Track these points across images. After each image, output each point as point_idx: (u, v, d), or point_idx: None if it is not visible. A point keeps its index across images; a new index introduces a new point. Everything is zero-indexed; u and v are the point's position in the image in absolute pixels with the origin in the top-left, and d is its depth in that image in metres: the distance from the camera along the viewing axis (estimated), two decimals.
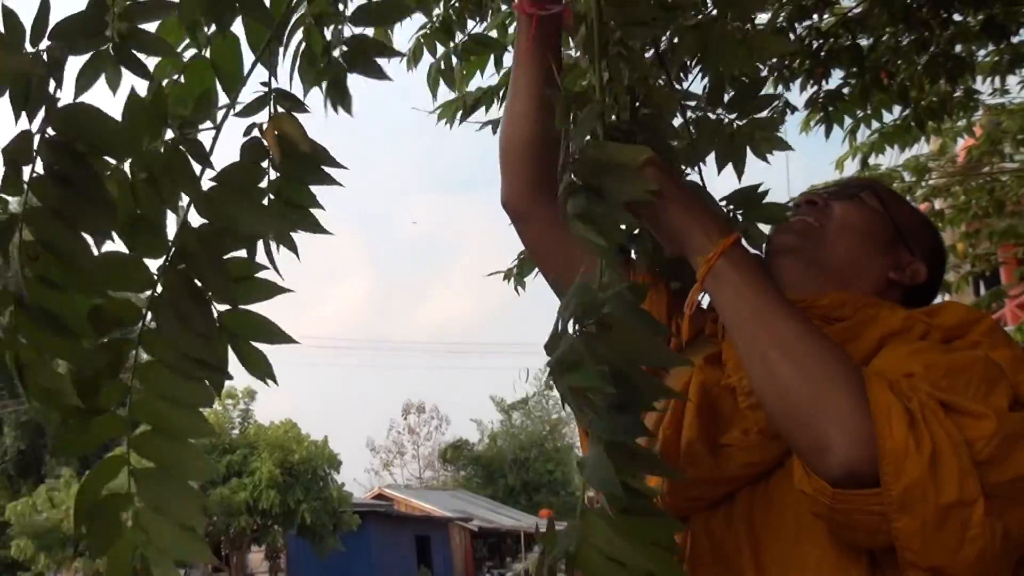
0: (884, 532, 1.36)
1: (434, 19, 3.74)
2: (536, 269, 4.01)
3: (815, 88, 4.65)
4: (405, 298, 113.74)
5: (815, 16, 4.43)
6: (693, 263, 1.52)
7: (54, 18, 1.21)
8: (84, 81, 1.31)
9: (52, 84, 1.21)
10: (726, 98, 1.82)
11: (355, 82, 1.60)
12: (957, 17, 4.52)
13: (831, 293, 1.75)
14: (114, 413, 1.34)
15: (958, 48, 4.71)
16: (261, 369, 1.42)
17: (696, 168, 1.82)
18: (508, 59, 3.89)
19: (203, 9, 1.37)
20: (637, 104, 1.77)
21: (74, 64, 1.30)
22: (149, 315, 1.33)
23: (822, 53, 4.48)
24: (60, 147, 1.21)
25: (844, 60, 4.48)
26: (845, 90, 4.73)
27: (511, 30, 3.77)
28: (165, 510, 1.35)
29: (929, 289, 1.89)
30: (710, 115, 1.78)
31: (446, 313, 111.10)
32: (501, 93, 3.97)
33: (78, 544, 31.10)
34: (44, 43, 1.22)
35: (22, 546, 30.52)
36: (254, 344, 1.40)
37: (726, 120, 1.74)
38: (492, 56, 3.79)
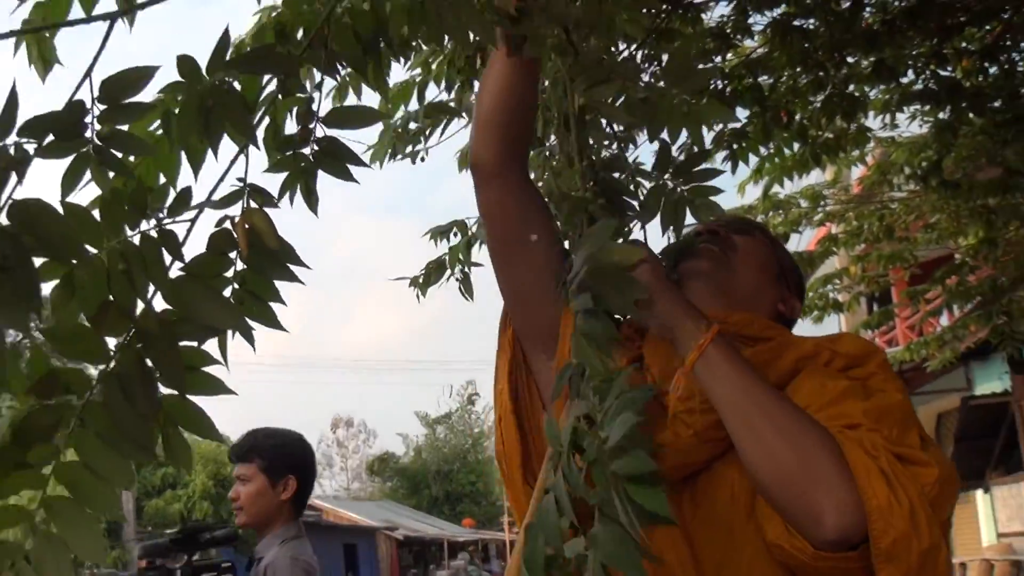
0: None
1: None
2: (439, 280, 4.08)
3: (721, 125, 4.68)
4: (334, 317, 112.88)
5: (718, 57, 4.48)
6: (682, 349, 1.60)
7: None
8: (69, 183, 1.28)
9: (13, 178, 1.17)
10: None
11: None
12: (851, 59, 4.59)
13: (738, 312, 1.84)
14: (37, 471, 1.28)
15: (851, 88, 4.79)
16: (182, 459, 1.37)
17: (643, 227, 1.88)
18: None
19: (198, 130, 1.37)
20: (597, 169, 1.81)
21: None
22: (96, 388, 1.27)
23: (726, 92, 4.53)
24: (6, 236, 1.17)
25: (747, 99, 4.53)
26: (748, 128, 4.77)
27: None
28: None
29: (794, 322, 2.05)
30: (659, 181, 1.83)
31: (372, 332, 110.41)
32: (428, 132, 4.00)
33: None
34: (11, 139, 1.18)
35: None
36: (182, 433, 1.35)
37: (671, 185, 1.81)
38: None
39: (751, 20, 4.25)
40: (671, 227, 1.80)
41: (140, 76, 1.28)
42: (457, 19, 1.46)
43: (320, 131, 1.56)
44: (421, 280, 4.09)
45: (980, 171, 5.99)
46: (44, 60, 2.19)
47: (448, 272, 3.98)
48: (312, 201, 1.63)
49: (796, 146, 5.15)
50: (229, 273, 1.40)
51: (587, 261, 1.40)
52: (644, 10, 3.76)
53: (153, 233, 1.27)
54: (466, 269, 3.93)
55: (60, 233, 1.20)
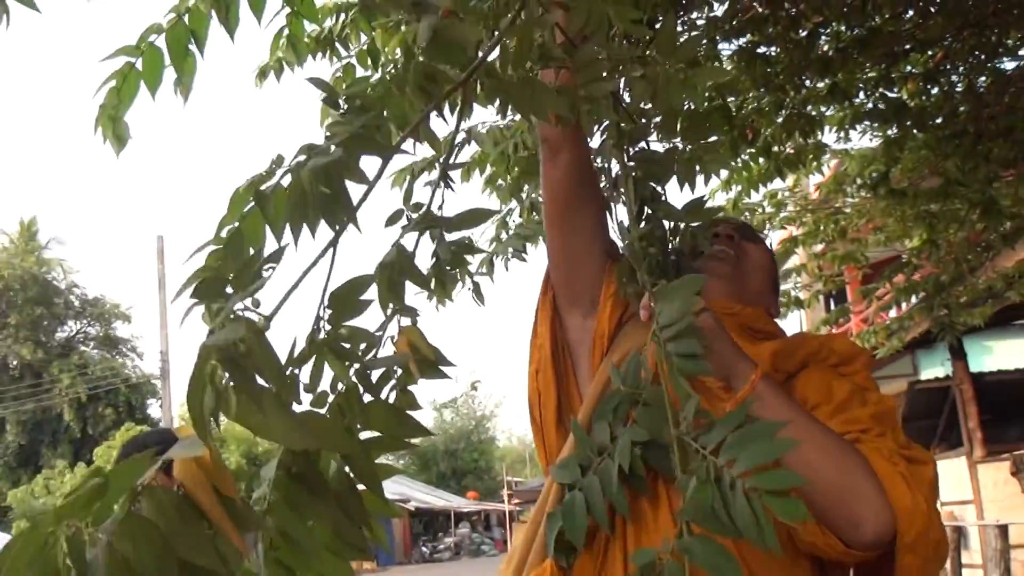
0: (877, 568, 1.60)
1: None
2: (458, 289, 4.08)
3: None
4: None
5: None
6: (735, 386, 1.63)
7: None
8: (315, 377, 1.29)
9: None
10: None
11: None
12: (808, 83, 4.59)
13: (747, 307, 1.93)
14: None
15: (809, 108, 4.80)
16: (380, 539, 1.45)
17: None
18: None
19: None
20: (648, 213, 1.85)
21: None
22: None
23: (698, 112, 4.53)
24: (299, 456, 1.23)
25: (716, 119, 4.54)
26: (718, 143, 4.77)
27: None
28: None
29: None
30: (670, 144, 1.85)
31: None
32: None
33: None
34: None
35: (21, 527, 29.73)
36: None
37: (681, 146, 1.83)
38: None
39: (720, 47, 4.25)
40: (687, 184, 1.84)
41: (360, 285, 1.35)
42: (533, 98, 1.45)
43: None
44: (437, 292, 4.09)
45: (923, 180, 6.02)
46: (119, 138, 2.22)
47: (460, 283, 3.99)
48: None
49: (761, 160, 5.16)
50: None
51: (682, 313, 1.47)
52: (625, 39, 3.79)
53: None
54: (476, 280, 3.97)
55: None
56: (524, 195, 4.29)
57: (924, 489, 1.59)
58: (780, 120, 4.71)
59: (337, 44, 3.62)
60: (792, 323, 13.45)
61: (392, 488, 51.09)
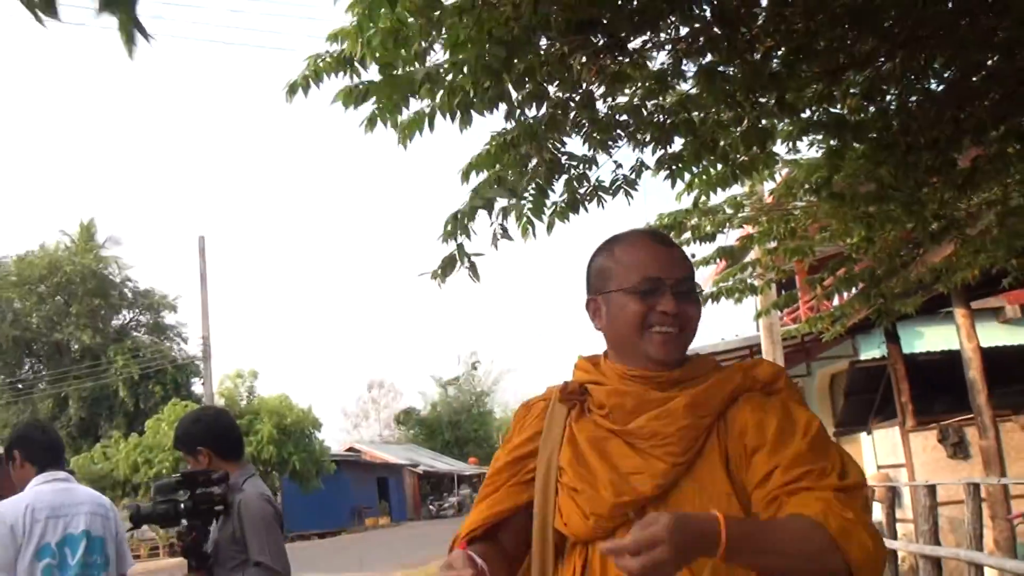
0: None
1: None
2: (453, 271, 4.04)
3: (662, 151, 4.66)
4: (375, 303, 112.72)
5: (660, 97, 4.46)
6: (710, 552, 1.51)
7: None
8: None
9: None
10: None
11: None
12: (762, 99, 4.58)
13: (676, 369, 1.84)
14: None
15: (763, 121, 4.78)
16: None
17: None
18: None
19: None
20: None
21: None
22: None
23: (666, 125, 4.50)
24: None
25: (682, 130, 4.51)
26: (683, 152, 4.74)
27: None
28: None
29: None
30: None
31: (402, 316, 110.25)
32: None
33: (125, 487, 30.69)
34: None
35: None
36: None
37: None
38: None
39: (685, 67, 4.20)
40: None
41: None
42: None
43: None
44: (440, 272, 4.04)
45: (861, 186, 5.99)
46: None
47: (459, 264, 3.94)
48: None
49: (719, 166, 5.12)
50: None
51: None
52: (601, 55, 3.76)
53: None
54: (472, 259, 3.90)
55: None
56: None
57: (863, 517, 1.62)
58: (738, 132, 4.66)
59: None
60: (748, 307, 13.42)
61: (403, 454, 51.28)
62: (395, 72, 3.49)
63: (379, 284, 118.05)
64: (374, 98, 3.50)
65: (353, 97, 3.45)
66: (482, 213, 4.06)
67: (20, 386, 40.39)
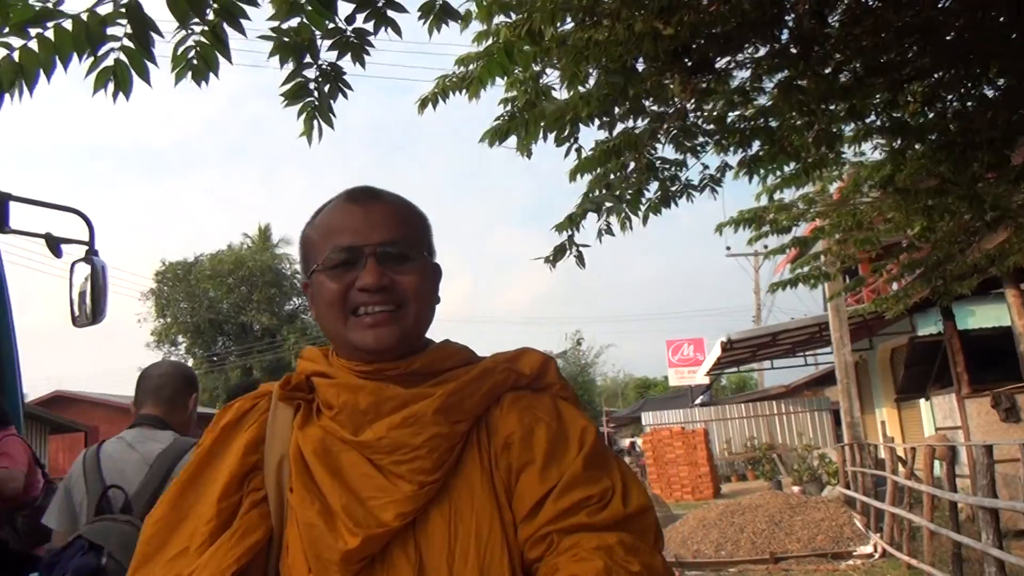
0: None
1: None
2: (563, 258, 4.16)
3: (743, 153, 4.63)
4: (492, 288, 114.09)
5: (742, 108, 4.42)
6: None
7: None
8: None
9: None
10: None
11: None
12: (832, 107, 4.47)
13: (406, 359, 1.24)
14: None
15: (833, 127, 4.67)
16: None
17: None
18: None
19: None
20: None
21: None
22: None
23: (747, 131, 4.45)
24: None
25: (761, 135, 4.45)
26: (761, 154, 4.71)
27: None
28: None
29: None
30: None
31: (513, 297, 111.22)
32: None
33: None
34: None
35: None
36: None
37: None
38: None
39: (763, 83, 4.13)
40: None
41: None
42: None
43: None
44: (552, 258, 4.12)
45: (922, 182, 5.76)
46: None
47: (568, 252, 4.03)
48: None
49: (793, 164, 5.02)
50: None
51: None
52: (692, 75, 3.71)
53: None
54: (580, 249, 3.97)
55: None
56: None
57: (652, 556, 1.11)
58: (810, 137, 4.55)
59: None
60: (816, 294, 13.04)
61: None
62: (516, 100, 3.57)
63: (495, 266, 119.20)
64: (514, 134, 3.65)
65: (498, 135, 3.58)
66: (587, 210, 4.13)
67: (215, 359, 42.31)
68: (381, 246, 1.21)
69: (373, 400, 1.18)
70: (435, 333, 1.30)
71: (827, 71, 4.08)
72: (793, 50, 3.79)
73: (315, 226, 1.27)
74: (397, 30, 2.27)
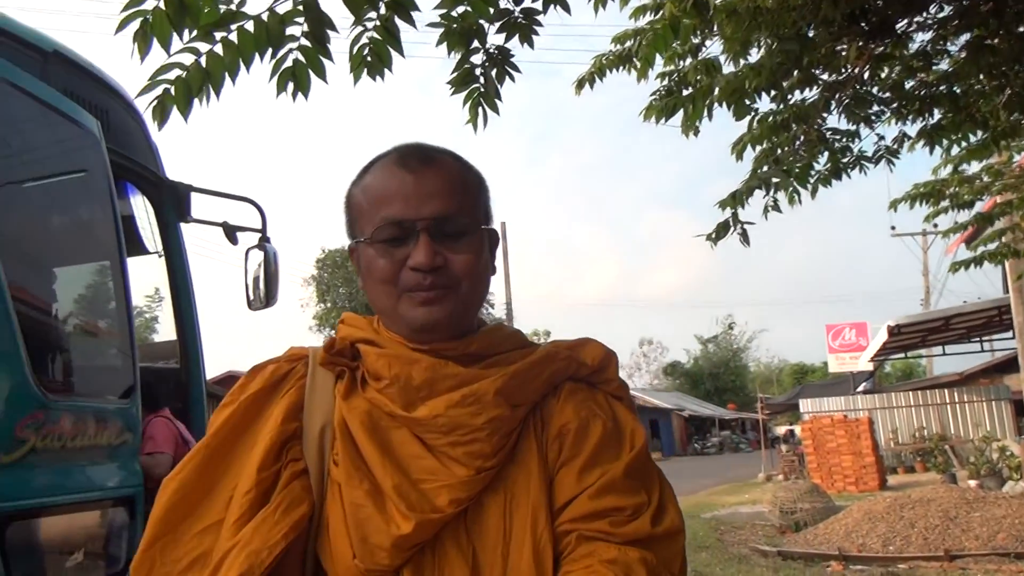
0: None
1: None
2: (725, 236, 4.00)
3: (923, 122, 4.31)
4: (640, 270, 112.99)
5: (922, 73, 4.11)
6: None
7: None
8: None
9: None
10: None
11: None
12: None
13: (462, 339, 1.17)
14: None
15: None
16: None
17: None
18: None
19: None
20: None
21: None
22: None
23: (928, 98, 4.14)
24: None
25: (944, 102, 4.12)
26: (943, 122, 4.37)
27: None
28: None
29: None
30: None
31: (663, 281, 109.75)
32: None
33: None
34: None
35: None
36: None
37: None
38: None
39: (947, 44, 3.81)
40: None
41: None
42: None
43: None
44: (714, 236, 3.98)
45: None
46: None
47: (731, 229, 3.87)
48: None
49: (980, 133, 4.62)
50: None
51: None
52: (868, 40, 3.47)
53: None
54: (744, 227, 3.81)
55: None
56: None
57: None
58: (1000, 103, 4.17)
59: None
60: (993, 277, 12.10)
61: (671, 400, 50.99)
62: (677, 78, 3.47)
63: (642, 249, 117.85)
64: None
65: (664, 112, 3.50)
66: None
67: None
68: (435, 221, 1.11)
69: (429, 376, 1.10)
70: (581, 318, 1.25)
71: (1021, 29, 3.72)
72: (983, 7, 3.47)
73: (363, 189, 1.18)
74: (566, 7, 2.23)
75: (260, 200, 4.55)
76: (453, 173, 1.16)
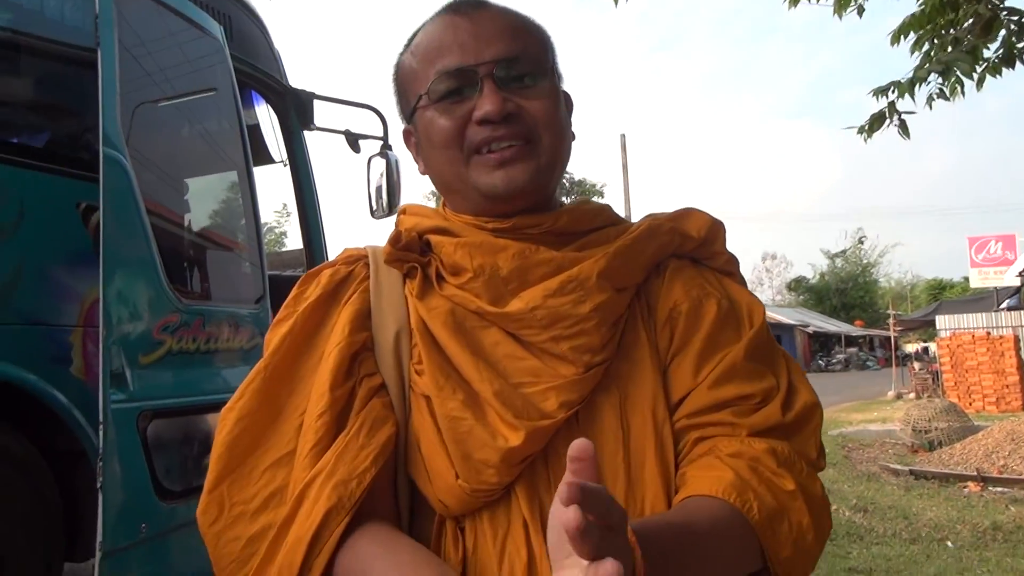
0: None
1: None
2: (881, 128, 3.64)
3: None
4: (766, 185, 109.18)
5: None
6: None
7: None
8: None
9: None
10: None
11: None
12: None
13: (551, 214, 1.01)
14: None
15: None
16: None
17: None
18: None
19: None
20: None
21: None
22: None
23: None
24: None
25: None
26: None
27: None
28: None
29: None
30: None
31: (787, 196, 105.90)
32: None
33: None
34: None
35: None
36: None
37: None
38: None
39: None
40: None
41: None
42: None
43: None
44: (867, 127, 3.65)
45: None
46: None
47: (887, 121, 3.53)
48: None
49: None
50: None
51: None
52: None
53: None
54: (902, 117, 3.46)
55: None
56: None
57: (810, 479, 0.90)
58: None
59: None
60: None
61: (794, 316, 49.81)
62: None
63: (767, 162, 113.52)
64: None
65: None
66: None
67: None
68: (498, 64, 0.94)
69: (519, 264, 0.94)
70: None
71: None
72: None
73: (412, 50, 1.00)
74: None
75: (382, 108, 4.49)
76: (512, 15, 0.99)
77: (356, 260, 1.04)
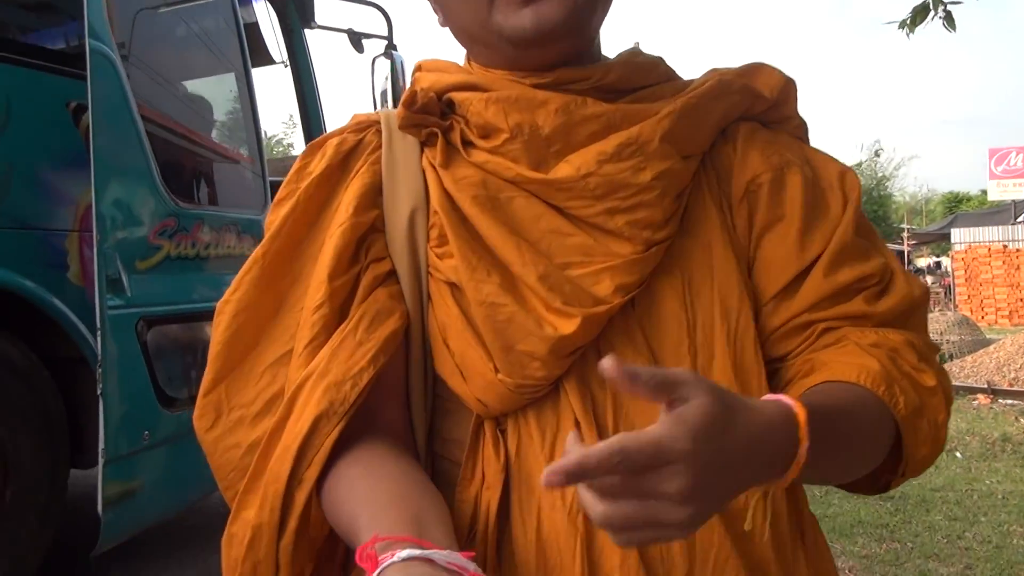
0: None
1: None
2: (929, 19, 3.40)
3: None
4: None
5: None
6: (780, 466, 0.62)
7: None
8: None
9: None
10: None
11: None
12: None
13: (597, 67, 0.84)
14: None
15: None
16: None
17: None
18: None
19: None
20: None
21: None
22: None
23: None
24: None
25: None
26: None
27: None
28: None
29: None
30: None
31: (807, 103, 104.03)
32: None
33: None
34: None
35: None
36: None
37: None
38: None
39: None
40: None
41: None
42: None
43: None
44: (910, 22, 3.42)
45: None
46: None
47: (932, 14, 3.32)
48: None
49: None
50: None
51: None
52: None
53: None
54: (948, 8, 3.24)
55: None
56: None
57: (940, 368, 0.78)
58: None
59: None
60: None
61: None
62: None
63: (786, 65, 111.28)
64: None
65: None
66: None
67: None
68: None
69: (563, 121, 0.78)
70: None
71: None
72: None
73: None
74: None
75: (387, 5, 4.29)
76: None
77: (367, 127, 0.87)
